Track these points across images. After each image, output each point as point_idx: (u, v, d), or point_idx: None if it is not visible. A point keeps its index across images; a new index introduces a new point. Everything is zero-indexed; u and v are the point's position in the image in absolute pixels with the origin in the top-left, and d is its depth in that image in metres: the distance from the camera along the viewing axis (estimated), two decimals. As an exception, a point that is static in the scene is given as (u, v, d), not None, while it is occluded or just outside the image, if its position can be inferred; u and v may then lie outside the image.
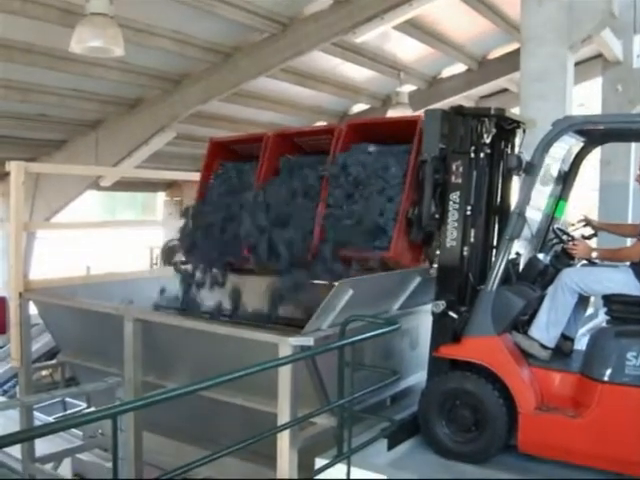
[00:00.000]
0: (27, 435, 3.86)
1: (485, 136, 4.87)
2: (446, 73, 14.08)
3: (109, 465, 6.68)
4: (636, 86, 10.34)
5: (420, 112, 12.47)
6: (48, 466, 6.97)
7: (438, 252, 5.25)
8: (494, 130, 4.90)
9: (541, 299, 5.02)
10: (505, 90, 14.92)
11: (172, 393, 3.43)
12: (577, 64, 7.57)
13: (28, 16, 8.28)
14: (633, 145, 10.03)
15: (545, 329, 4.85)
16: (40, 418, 7.83)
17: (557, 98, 7.00)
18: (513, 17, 10.77)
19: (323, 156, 5.89)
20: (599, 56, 10.95)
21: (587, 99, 13.58)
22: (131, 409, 3.58)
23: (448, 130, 5.00)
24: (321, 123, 15.28)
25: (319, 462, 4.68)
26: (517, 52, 7.71)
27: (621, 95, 10.32)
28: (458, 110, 5.01)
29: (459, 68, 13.80)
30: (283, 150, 6.23)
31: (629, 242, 5.49)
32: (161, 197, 19.15)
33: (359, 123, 5.90)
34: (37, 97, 10.80)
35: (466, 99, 14.19)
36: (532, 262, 5.21)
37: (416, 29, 11.18)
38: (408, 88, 13.45)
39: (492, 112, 4.90)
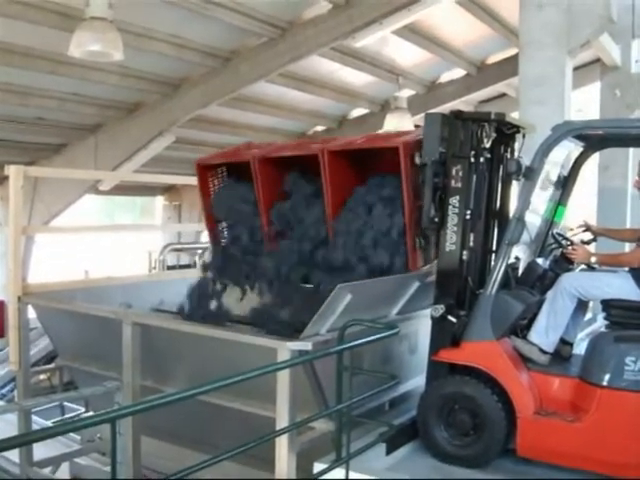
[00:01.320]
0: (26, 439, 3.85)
1: (485, 140, 4.87)
2: (445, 78, 14.10)
3: (107, 469, 6.67)
4: (634, 91, 10.34)
5: (418, 117, 12.58)
6: (46, 470, 6.95)
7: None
8: (494, 135, 4.90)
9: (540, 303, 5.02)
10: (503, 95, 14.95)
11: (171, 397, 3.44)
12: (575, 69, 7.58)
13: (28, 20, 8.29)
14: (631, 150, 10.02)
15: (544, 334, 4.85)
16: (38, 422, 7.82)
17: (556, 103, 7.01)
18: (511, 22, 10.79)
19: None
20: (597, 61, 10.96)
21: (584, 104, 13.60)
22: (130, 413, 3.57)
23: (448, 134, 4.99)
24: (320, 127, 15.32)
25: (317, 466, 4.67)
26: (515, 57, 7.72)
27: (619, 100, 10.32)
28: (458, 114, 5.01)
29: (458, 73, 13.82)
30: (273, 172, 6.11)
31: (627, 247, 5.49)
32: (160, 201, 19.15)
33: (338, 150, 5.74)
34: (36, 101, 10.80)
35: (465, 104, 14.20)
36: (531, 266, 5.21)
37: (415, 34, 11.20)
38: (407, 93, 13.47)
39: (492, 117, 4.90)
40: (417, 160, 5.21)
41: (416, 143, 5.29)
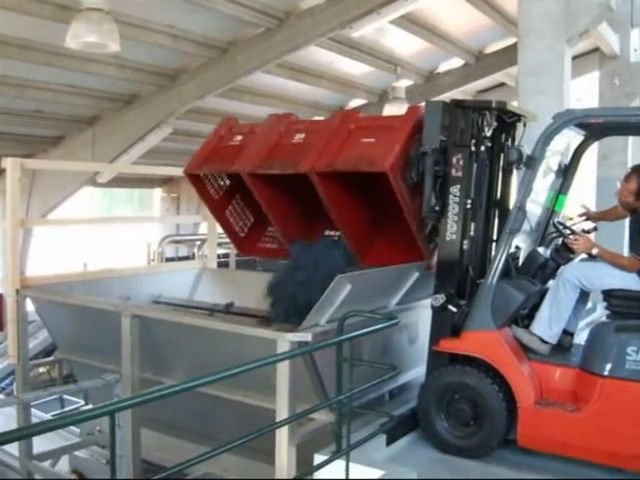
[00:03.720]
0: (25, 432, 3.83)
1: (486, 129, 4.84)
2: (443, 68, 14.05)
3: (107, 462, 6.67)
4: (633, 80, 10.34)
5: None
6: (46, 463, 6.94)
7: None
8: (495, 123, 4.88)
9: (541, 293, 5.00)
10: (502, 84, 14.90)
11: (170, 390, 3.40)
12: (574, 58, 7.55)
13: (24, 12, 8.24)
14: (630, 139, 10.02)
15: (547, 325, 4.83)
16: (37, 415, 7.80)
17: (555, 92, 6.99)
18: (510, 11, 10.75)
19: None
20: (596, 50, 10.94)
21: (583, 93, 13.57)
22: (129, 406, 3.55)
23: (449, 122, 4.97)
24: (318, 118, 15.23)
25: (318, 458, 4.65)
26: (514, 46, 7.69)
27: (618, 89, 10.33)
28: (459, 103, 4.99)
29: (456, 62, 13.77)
30: (266, 183, 6.02)
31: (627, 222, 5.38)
32: (158, 193, 19.12)
33: (327, 172, 5.52)
34: (33, 93, 10.76)
35: (463, 94, 14.15)
36: (532, 256, 5.19)
37: (413, 24, 11.15)
38: (405, 83, 13.43)
39: (493, 105, 4.87)
40: (408, 179, 5.14)
41: (403, 156, 5.17)
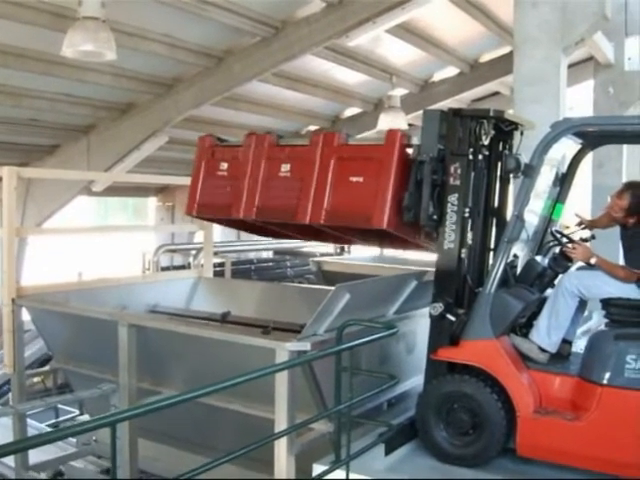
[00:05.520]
0: (24, 445, 3.78)
1: (483, 138, 4.85)
2: (438, 76, 14.08)
3: (102, 471, 6.65)
4: (627, 89, 10.37)
5: (411, 115, 12.57)
6: (42, 475, 6.89)
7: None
8: (492, 132, 4.88)
9: (539, 301, 5.00)
10: (497, 93, 14.94)
11: (171, 400, 3.40)
12: (569, 67, 7.57)
13: (20, 20, 8.22)
14: (625, 147, 10.04)
15: (546, 333, 4.83)
16: (32, 425, 7.75)
17: (551, 101, 7.00)
18: (505, 20, 10.78)
19: None
20: (590, 59, 10.97)
21: (576, 102, 13.61)
22: (131, 417, 3.53)
23: (446, 131, 4.96)
24: (313, 127, 15.28)
25: (317, 468, 4.65)
26: (509, 55, 7.72)
27: (612, 98, 10.35)
28: (457, 111, 4.99)
29: (451, 71, 13.80)
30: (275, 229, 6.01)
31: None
32: (153, 202, 19.06)
33: (321, 223, 5.40)
34: (29, 102, 10.72)
35: (458, 102, 14.14)
36: (530, 264, 5.19)
37: (408, 33, 11.17)
38: (400, 92, 13.45)
39: (491, 113, 4.88)
40: (406, 221, 5.05)
41: (396, 201, 5.05)
